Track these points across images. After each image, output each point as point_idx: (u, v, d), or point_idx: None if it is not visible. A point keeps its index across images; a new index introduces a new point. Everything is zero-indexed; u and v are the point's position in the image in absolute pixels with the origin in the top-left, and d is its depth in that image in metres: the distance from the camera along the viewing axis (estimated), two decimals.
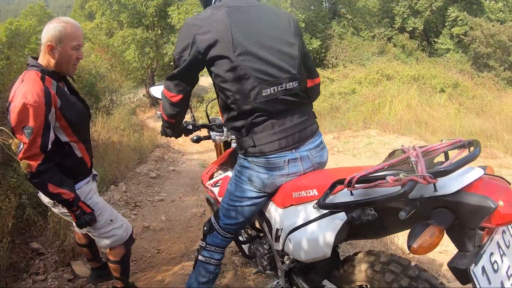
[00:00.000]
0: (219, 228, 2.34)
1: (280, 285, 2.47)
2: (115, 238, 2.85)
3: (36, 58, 2.50)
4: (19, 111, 2.22)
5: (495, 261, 1.43)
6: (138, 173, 8.15)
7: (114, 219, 2.86)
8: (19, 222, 4.20)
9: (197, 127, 2.99)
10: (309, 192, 1.93)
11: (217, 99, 2.24)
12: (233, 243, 2.95)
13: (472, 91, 13.56)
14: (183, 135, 2.88)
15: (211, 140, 3.14)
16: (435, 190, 1.41)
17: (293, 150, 2.07)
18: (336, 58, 23.70)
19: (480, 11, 24.74)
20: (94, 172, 2.95)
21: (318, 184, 1.92)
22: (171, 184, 7.93)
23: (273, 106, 1.99)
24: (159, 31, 33.61)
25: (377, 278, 1.72)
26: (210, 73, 2.04)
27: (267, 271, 2.55)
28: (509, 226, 1.53)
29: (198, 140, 3.04)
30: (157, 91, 2.91)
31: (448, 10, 24.87)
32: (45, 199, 2.66)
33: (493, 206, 1.30)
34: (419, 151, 1.54)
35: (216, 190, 2.87)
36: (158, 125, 24.23)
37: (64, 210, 2.61)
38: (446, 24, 25.50)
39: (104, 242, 2.85)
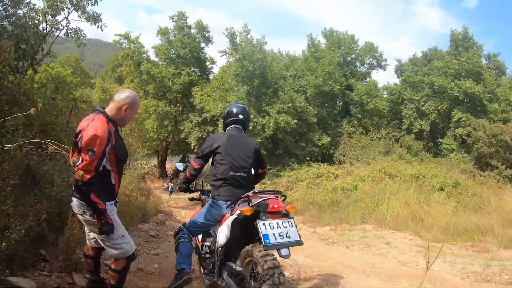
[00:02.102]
0: (184, 228, 4.35)
1: (214, 278, 4.19)
2: (122, 251, 3.60)
3: (103, 107, 3.62)
4: (90, 138, 3.20)
5: (270, 224, 3.45)
6: (139, 229, 8.86)
7: (125, 235, 3.68)
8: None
9: (196, 189, 5.02)
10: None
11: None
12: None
13: (472, 189, 13.75)
14: (187, 192, 4.82)
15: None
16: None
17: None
18: (343, 155, 24.17)
19: (483, 112, 25.73)
20: (117, 199, 3.86)
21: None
22: (168, 245, 8.22)
23: (232, 180, 4.13)
24: (180, 108, 35.02)
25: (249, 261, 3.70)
26: (213, 158, 4.27)
27: (211, 273, 4.34)
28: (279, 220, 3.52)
29: (192, 199, 5.22)
30: (179, 166, 5.03)
31: (452, 112, 25.77)
32: (76, 208, 3.49)
33: (267, 203, 3.54)
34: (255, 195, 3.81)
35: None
36: (163, 195, 24.60)
37: (90, 218, 3.42)
38: (450, 125, 26.27)
39: (112, 252, 3.58)
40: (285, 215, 3.61)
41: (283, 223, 3.50)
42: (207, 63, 38.83)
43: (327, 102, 27.57)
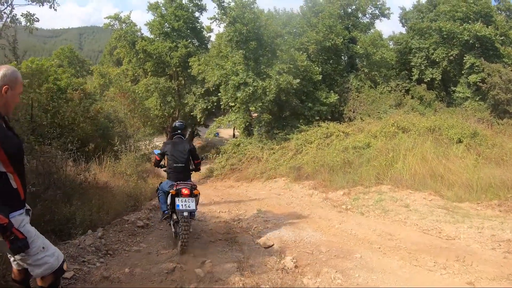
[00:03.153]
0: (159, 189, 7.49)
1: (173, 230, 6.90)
2: (47, 266, 3.12)
3: None
4: None
5: (181, 200, 6.43)
6: (125, 221, 8.16)
7: (46, 247, 3.16)
8: None
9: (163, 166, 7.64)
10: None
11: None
12: None
13: (491, 139, 12.73)
14: (160, 168, 7.76)
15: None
16: None
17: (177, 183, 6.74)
18: (353, 112, 23.33)
19: (496, 56, 24.47)
20: (27, 206, 3.19)
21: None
22: (156, 235, 7.70)
23: (175, 169, 6.99)
24: (183, 82, 34.64)
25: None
26: (166, 155, 7.21)
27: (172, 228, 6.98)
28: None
29: (160, 166, 7.69)
30: (156, 151, 7.79)
31: (464, 58, 24.51)
32: None
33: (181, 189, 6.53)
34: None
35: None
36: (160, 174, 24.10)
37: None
38: (463, 72, 25.08)
39: (37, 271, 3.11)
40: (190, 195, 6.51)
41: (187, 199, 6.43)
42: (204, 32, 37.90)
43: (331, 58, 26.19)
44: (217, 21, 22.55)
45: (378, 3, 28.50)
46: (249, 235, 7.49)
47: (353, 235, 6.98)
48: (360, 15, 28.99)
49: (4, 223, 2.72)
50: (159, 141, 34.83)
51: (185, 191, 6.44)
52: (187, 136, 10.31)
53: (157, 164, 7.51)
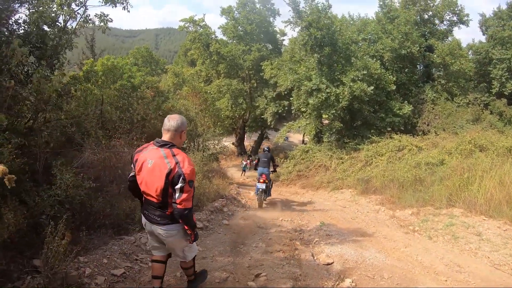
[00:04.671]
0: None
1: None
2: (195, 250, 4.64)
3: (164, 141, 4.05)
4: (192, 171, 3.91)
5: None
6: None
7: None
8: (31, 237, 5.08)
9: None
10: None
11: None
12: None
13: None
14: None
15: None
16: None
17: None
18: (428, 125, 22.61)
19: None
20: None
21: None
22: (215, 239, 7.74)
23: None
24: (255, 84, 34.86)
25: None
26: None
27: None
28: None
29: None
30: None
31: None
32: (168, 231, 4.13)
33: None
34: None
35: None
36: (237, 174, 24.31)
37: (182, 234, 4.17)
38: None
39: (190, 255, 4.50)
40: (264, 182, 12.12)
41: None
42: (278, 36, 37.91)
43: (406, 67, 25.46)
44: (292, 24, 22.51)
45: (456, 9, 27.24)
46: (310, 249, 7.36)
47: (419, 262, 6.66)
48: (437, 21, 27.91)
49: (195, 224, 4.21)
50: (228, 141, 35.60)
51: (261, 180, 12.70)
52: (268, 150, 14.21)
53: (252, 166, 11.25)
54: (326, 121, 22.50)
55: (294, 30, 23.23)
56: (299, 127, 23.80)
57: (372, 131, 20.76)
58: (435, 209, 10.02)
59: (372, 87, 19.50)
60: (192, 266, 4.69)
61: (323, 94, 19.33)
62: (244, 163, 30.26)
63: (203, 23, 34.98)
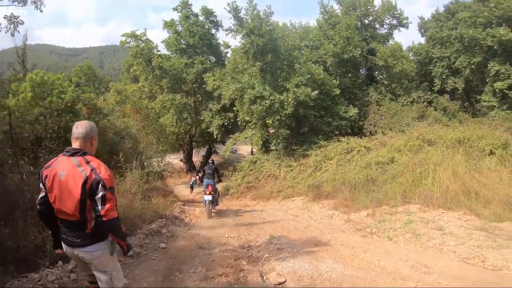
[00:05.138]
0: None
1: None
2: (124, 282, 3.95)
3: (74, 148, 3.63)
4: (110, 176, 3.51)
5: None
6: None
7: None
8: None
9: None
10: None
11: None
12: None
13: None
14: None
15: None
16: None
17: None
18: (374, 126, 22.58)
19: None
20: None
21: None
22: (146, 267, 6.78)
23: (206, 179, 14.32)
24: (200, 98, 34.50)
25: None
26: None
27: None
28: None
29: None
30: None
31: (488, 66, 23.58)
32: (94, 253, 3.61)
33: None
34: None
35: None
36: (186, 191, 23.20)
37: (108, 253, 3.69)
38: (487, 80, 24.08)
39: (119, 284, 3.83)
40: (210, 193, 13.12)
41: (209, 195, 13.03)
42: (222, 48, 37.64)
43: (349, 71, 25.48)
44: (233, 32, 21.84)
45: (396, 13, 27.61)
46: (258, 268, 6.57)
47: (382, 268, 6.01)
48: (377, 26, 28.28)
49: (125, 232, 3.76)
50: (176, 158, 34.62)
51: (207, 191, 13.29)
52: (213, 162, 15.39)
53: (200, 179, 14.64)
54: (273, 130, 21.92)
55: (235, 38, 22.58)
56: (245, 138, 23.18)
57: (319, 136, 20.28)
58: (391, 208, 9.52)
59: (316, 92, 19.15)
60: None
61: (267, 102, 18.82)
62: (193, 179, 29.17)
63: (145, 37, 34.35)
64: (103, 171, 3.44)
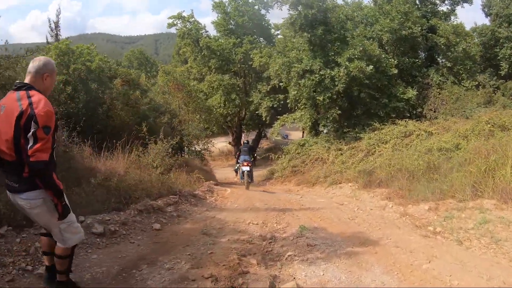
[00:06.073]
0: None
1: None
2: (79, 236, 3.69)
3: (21, 82, 3.37)
4: (46, 113, 3.15)
5: None
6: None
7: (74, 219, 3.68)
8: None
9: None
10: None
11: None
12: None
13: None
14: None
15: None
16: None
17: None
18: (434, 111, 20.67)
19: None
20: None
21: None
22: (111, 252, 5.40)
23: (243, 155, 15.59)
24: (250, 80, 34.51)
25: None
26: None
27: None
28: None
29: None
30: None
31: None
32: (30, 201, 3.27)
33: None
34: None
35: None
36: (231, 174, 22.18)
37: (49, 205, 3.30)
38: None
39: (73, 238, 3.59)
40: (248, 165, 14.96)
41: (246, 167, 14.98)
42: (272, 31, 36.85)
43: (408, 52, 23.46)
44: (279, 3, 20.30)
45: None
46: (271, 272, 4.82)
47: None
48: (438, 1, 25.90)
49: (62, 189, 3.28)
50: (224, 141, 34.00)
51: (245, 163, 14.77)
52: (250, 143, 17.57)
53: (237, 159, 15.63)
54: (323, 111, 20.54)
55: (281, 9, 20.67)
56: (294, 119, 21.89)
57: (375, 120, 18.53)
58: (459, 202, 7.70)
59: (371, 67, 17.56)
60: (68, 258, 3.70)
61: (317, 76, 17.42)
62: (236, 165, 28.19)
63: (192, 19, 33.96)
64: (40, 106, 3.12)
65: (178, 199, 9.38)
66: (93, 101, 13.85)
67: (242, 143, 17.74)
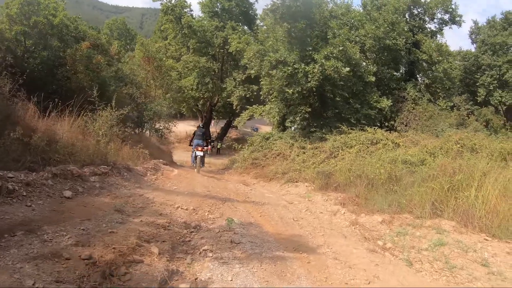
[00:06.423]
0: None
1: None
2: None
3: None
4: None
5: None
6: None
7: None
8: None
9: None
10: None
11: None
12: None
13: None
14: None
15: None
16: None
17: None
18: (406, 125, 20.25)
19: None
20: None
21: None
22: None
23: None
24: (227, 67, 34.30)
25: None
26: None
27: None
28: None
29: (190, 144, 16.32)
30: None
31: None
32: None
33: None
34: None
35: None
36: (180, 158, 21.36)
37: None
38: None
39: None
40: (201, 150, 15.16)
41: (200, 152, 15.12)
42: (258, 22, 36.06)
43: (389, 62, 22.95)
44: None
45: (450, 7, 24.83)
46: (172, 266, 4.09)
47: None
48: (427, 18, 25.63)
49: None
50: (193, 125, 33.63)
51: (199, 148, 14.79)
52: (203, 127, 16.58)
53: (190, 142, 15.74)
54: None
55: None
56: (262, 111, 21.19)
57: (344, 124, 17.90)
58: (415, 218, 7.01)
59: (348, 69, 16.89)
60: None
61: (289, 68, 16.63)
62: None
63: None
64: None
65: (108, 171, 8.59)
66: (52, 60, 13.31)
67: (197, 127, 16.93)
